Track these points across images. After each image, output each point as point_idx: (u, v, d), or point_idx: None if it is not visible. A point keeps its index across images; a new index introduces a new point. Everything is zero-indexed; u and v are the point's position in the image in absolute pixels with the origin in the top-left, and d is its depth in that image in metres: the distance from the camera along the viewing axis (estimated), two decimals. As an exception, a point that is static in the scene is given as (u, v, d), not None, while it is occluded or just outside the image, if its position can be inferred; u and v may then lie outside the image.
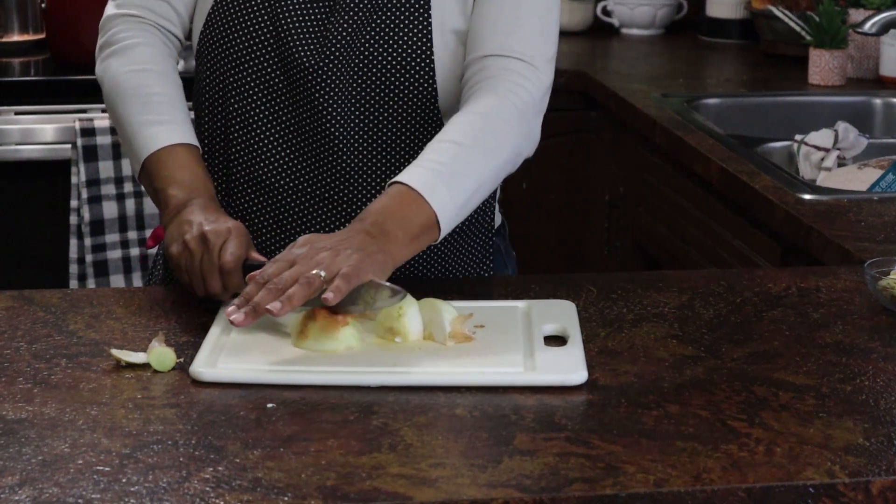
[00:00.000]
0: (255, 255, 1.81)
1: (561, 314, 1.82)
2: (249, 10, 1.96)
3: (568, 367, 1.66)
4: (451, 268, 2.07)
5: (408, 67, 1.96)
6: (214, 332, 1.74)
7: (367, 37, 1.95)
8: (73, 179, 3.36)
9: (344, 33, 1.95)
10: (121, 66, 1.98)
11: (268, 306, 1.65)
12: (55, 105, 3.41)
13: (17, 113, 3.40)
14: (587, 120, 3.66)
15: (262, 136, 1.99)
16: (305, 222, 2.00)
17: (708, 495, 1.39)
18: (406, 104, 1.97)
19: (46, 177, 3.45)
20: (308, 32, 1.95)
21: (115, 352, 1.67)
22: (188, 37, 2.07)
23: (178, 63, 2.06)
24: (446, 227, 1.82)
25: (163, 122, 1.93)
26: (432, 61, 1.96)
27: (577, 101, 3.66)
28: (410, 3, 1.96)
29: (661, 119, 3.10)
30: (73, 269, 3.39)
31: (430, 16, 1.97)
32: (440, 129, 1.96)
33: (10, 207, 3.46)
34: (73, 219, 3.38)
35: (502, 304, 1.86)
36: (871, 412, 1.58)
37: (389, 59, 1.95)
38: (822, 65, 3.51)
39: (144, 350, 1.68)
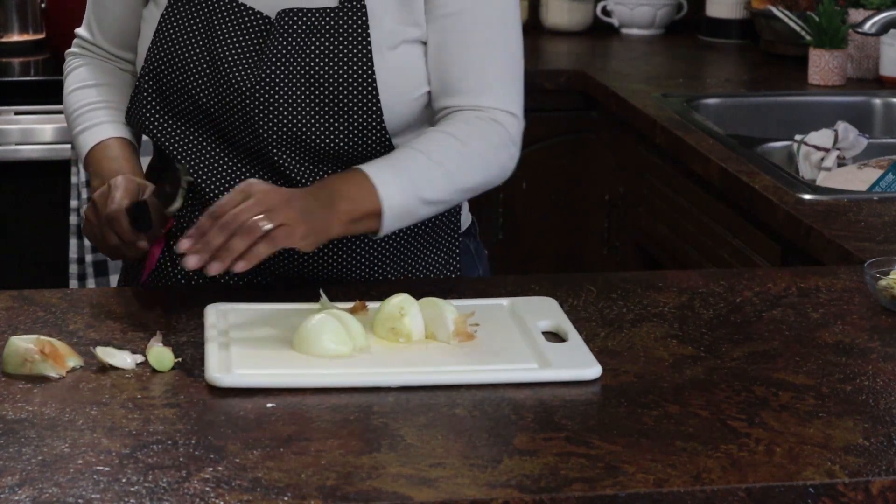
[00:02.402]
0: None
1: (548, 311, 1.84)
2: (186, 41, 1.96)
3: (582, 362, 1.67)
4: (416, 268, 2.06)
5: (349, 89, 1.93)
6: (212, 332, 1.73)
7: (305, 59, 1.93)
8: (73, 179, 3.35)
9: (279, 56, 1.93)
10: (64, 92, 2.14)
11: (212, 268, 1.74)
12: (55, 105, 3.40)
13: (17, 113, 3.40)
14: (587, 120, 3.66)
15: (211, 161, 1.98)
16: None
17: (708, 495, 1.39)
18: (350, 125, 1.94)
19: (46, 177, 3.44)
20: (243, 57, 1.93)
21: (99, 350, 1.67)
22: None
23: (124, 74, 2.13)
24: (388, 224, 1.88)
25: (84, 129, 2.06)
26: (374, 81, 1.93)
27: (577, 101, 3.66)
28: (347, 24, 1.93)
29: (661, 119, 3.10)
30: (73, 269, 3.39)
31: (368, 35, 1.93)
32: (388, 146, 1.96)
33: (10, 207, 3.46)
34: (73, 219, 3.37)
35: (486, 302, 1.86)
36: (871, 412, 1.58)
37: (329, 81, 1.93)
38: (822, 65, 3.51)
39: (144, 350, 1.68)
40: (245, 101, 1.93)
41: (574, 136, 3.67)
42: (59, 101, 3.33)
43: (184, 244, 1.75)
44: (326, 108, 1.93)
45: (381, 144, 1.96)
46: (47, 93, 3.44)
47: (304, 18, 1.94)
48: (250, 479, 1.39)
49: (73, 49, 2.16)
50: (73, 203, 3.37)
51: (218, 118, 1.95)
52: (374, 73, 1.93)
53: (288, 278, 2.00)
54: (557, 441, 1.49)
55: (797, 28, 3.64)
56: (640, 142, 3.28)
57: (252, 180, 1.82)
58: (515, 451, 1.46)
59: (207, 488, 1.37)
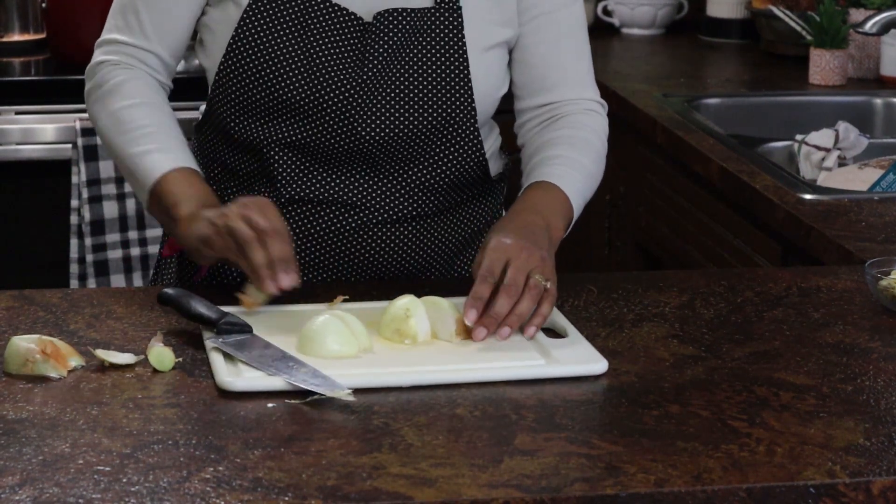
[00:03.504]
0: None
1: None
2: (278, 40, 1.94)
3: (588, 357, 1.68)
4: (461, 264, 2.10)
5: (446, 88, 1.97)
6: (212, 336, 1.72)
7: (404, 59, 1.96)
8: (74, 179, 3.36)
9: (381, 57, 1.95)
10: (113, 104, 1.97)
11: (503, 333, 1.73)
12: (55, 105, 3.41)
13: (17, 113, 3.40)
14: (587, 120, 3.65)
15: (290, 157, 1.98)
16: (338, 231, 2.00)
17: (709, 495, 1.39)
18: (445, 123, 1.98)
19: (47, 177, 3.44)
20: (343, 58, 1.94)
21: (99, 352, 1.67)
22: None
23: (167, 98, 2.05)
24: (568, 230, 1.98)
25: (160, 150, 1.92)
26: (469, 81, 1.98)
27: (577, 100, 3.64)
28: (444, 24, 1.97)
29: (662, 119, 3.10)
30: (74, 268, 3.39)
31: (463, 35, 1.97)
32: (478, 143, 2.01)
33: (10, 207, 3.46)
34: (74, 219, 3.38)
35: None
36: (872, 412, 1.58)
37: (427, 80, 1.96)
38: (823, 65, 3.51)
39: (144, 350, 1.68)
40: (345, 101, 1.94)
41: (574, 135, 3.65)
42: (59, 101, 3.39)
43: (471, 316, 1.74)
44: (423, 107, 1.97)
45: (471, 141, 2.01)
46: (48, 93, 3.44)
47: (403, 19, 1.96)
48: (251, 479, 1.39)
49: (109, 57, 2.01)
50: (74, 203, 3.37)
51: (310, 115, 1.95)
52: (469, 73, 1.97)
53: (351, 276, 2.02)
54: (558, 441, 1.49)
55: (798, 28, 3.64)
56: (640, 142, 3.28)
57: (495, 235, 1.81)
58: (516, 450, 1.46)
59: (208, 488, 1.37)
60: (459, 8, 1.98)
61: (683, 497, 1.39)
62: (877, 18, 3.14)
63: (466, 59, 1.98)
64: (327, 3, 1.95)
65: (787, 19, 3.69)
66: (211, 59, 2.01)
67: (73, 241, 3.38)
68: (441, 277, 2.08)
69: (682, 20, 4.27)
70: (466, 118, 1.99)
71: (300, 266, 2.00)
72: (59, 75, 3.51)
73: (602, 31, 4.24)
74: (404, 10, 1.96)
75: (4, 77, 3.50)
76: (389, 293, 1.82)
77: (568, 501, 1.38)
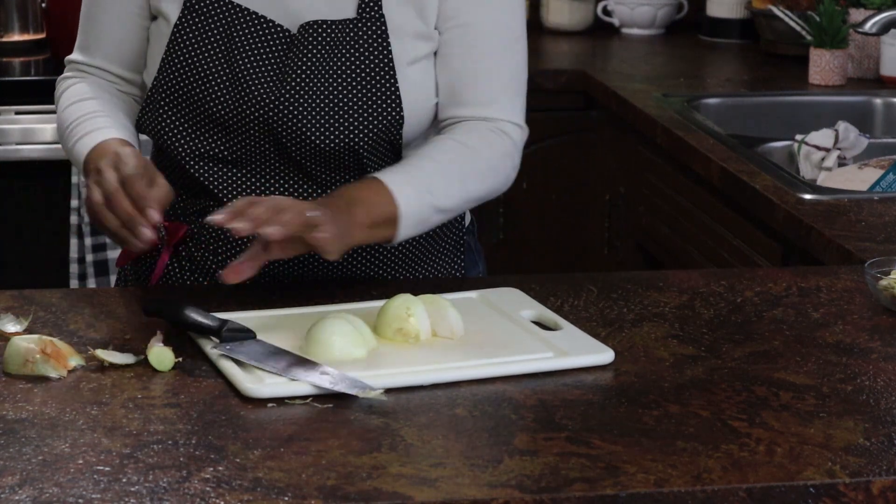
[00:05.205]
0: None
1: (522, 301, 1.85)
2: (203, 53, 1.94)
3: (593, 348, 1.70)
4: (423, 267, 2.07)
5: (373, 99, 1.94)
6: (217, 344, 1.71)
7: (329, 71, 1.93)
8: (74, 179, 3.36)
9: (304, 69, 1.93)
10: (57, 115, 2.04)
11: (268, 229, 1.71)
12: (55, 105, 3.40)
13: (17, 113, 3.40)
14: (587, 120, 3.66)
15: (225, 169, 1.97)
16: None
17: (708, 495, 1.39)
18: (372, 134, 1.94)
19: (46, 177, 3.44)
20: (266, 70, 1.93)
21: (99, 352, 1.67)
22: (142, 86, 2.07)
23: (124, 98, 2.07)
24: (404, 230, 1.88)
25: (84, 135, 1.94)
26: (397, 90, 1.95)
27: (577, 100, 3.65)
28: (367, 35, 1.94)
29: (662, 119, 3.10)
30: (74, 268, 3.39)
31: (389, 46, 1.95)
32: (398, 152, 1.98)
33: (10, 207, 3.46)
34: (74, 218, 3.38)
35: (457, 296, 1.85)
36: (872, 412, 1.58)
37: (352, 92, 1.94)
38: (823, 64, 3.51)
39: (144, 350, 1.68)
40: (268, 114, 1.93)
41: (574, 136, 3.66)
42: (60, 101, 3.39)
43: (217, 217, 1.72)
44: (349, 119, 1.94)
45: (395, 148, 1.98)
46: (48, 93, 3.40)
47: (326, 31, 1.94)
48: (251, 479, 1.39)
49: (66, 74, 2.08)
50: (74, 203, 3.37)
51: (236, 129, 1.94)
52: (396, 81, 1.94)
53: (296, 280, 2.00)
54: (558, 441, 1.49)
55: (798, 28, 3.64)
56: (640, 142, 3.28)
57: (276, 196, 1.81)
58: (516, 450, 1.46)
59: (208, 488, 1.37)
60: (382, 16, 1.94)
61: (683, 497, 1.39)
62: (877, 18, 3.14)
63: (393, 68, 1.94)
64: (254, 16, 1.94)
65: (787, 19, 3.69)
66: (148, 74, 2.01)
67: (73, 241, 3.38)
68: (395, 276, 2.05)
69: (682, 20, 4.27)
70: (396, 127, 1.96)
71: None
72: (59, 75, 3.50)
73: (602, 31, 4.24)
74: (325, 21, 1.94)
75: (4, 77, 3.50)
76: (387, 292, 1.81)
77: (568, 501, 1.38)
